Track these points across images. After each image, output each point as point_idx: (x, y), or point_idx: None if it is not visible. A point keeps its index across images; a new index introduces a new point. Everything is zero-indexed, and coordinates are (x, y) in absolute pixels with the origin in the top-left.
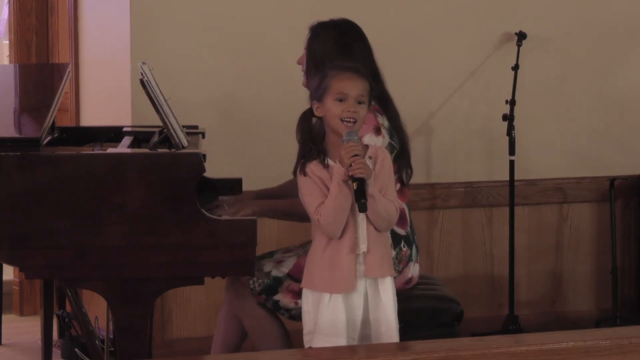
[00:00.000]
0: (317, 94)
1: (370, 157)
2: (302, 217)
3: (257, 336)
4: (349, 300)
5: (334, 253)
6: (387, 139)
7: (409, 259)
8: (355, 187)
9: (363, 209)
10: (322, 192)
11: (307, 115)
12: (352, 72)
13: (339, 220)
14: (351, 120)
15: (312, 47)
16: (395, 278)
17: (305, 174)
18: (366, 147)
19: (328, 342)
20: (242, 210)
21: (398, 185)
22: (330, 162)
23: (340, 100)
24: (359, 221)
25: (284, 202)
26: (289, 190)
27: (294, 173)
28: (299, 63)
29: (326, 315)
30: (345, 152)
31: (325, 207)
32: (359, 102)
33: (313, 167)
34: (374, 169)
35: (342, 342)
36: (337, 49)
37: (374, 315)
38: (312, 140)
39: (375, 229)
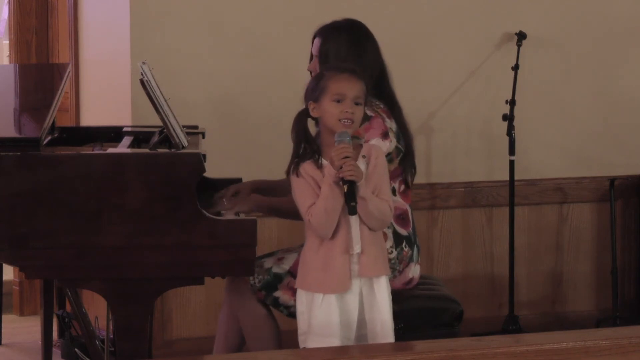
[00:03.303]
0: (314, 94)
1: (364, 156)
2: (299, 216)
3: (251, 335)
4: (343, 300)
5: (327, 253)
6: (394, 143)
7: (410, 260)
8: (345, 190)
9: (352, 211)
10: (314, 192)
11: (302, 115)
12: (349, 74)
13: (330, 221)
14: (348, 121)
15: (325, 51)
16: (395, 278)
17: (298, 175)
18: (359, 146)
19: (322, 343)
20: (237, 206)
21: (402, 187)
22: (324, 161)
23: (338, 101)
24: (352, 222)
25: (281, 200)
26: (286, 186)
27: (287, 173)
28: (310, 69)
29: (319, 316)
30: (336, 154)
31: (316, 208)
32: (356, 104)
33: (307, 167)
34: (368, 168)
35: (336, 342)
36: (351, 49)
37: (370, 315)
38: (307, 140)
39: (369, 228)
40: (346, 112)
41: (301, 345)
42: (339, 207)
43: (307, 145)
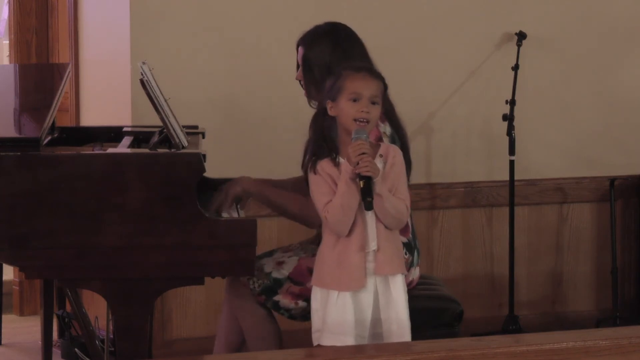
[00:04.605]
0: (331, 93)
1: (381, 156)
2: (291, 214)
3: (252, 336)
4: (358, 298)
5: (343, 251)
6: None
7: (411, 265)
8: (362, 186)
9: (369, 207)
10: (331, 189)
11: (320, 114)
12: (366, 72)
13: (346, 218)
14: (364, 120)
15: (310, 59)
16: None
17: (315, 172)
18: (377, 145)
19: (336, 340)
20: (231, 188)
21: None
22: (341, 159)
23: (354, 100)
24: (368, 219)
25: (276, 192)
26: (295, 186)
27: (304, 169)
28: (298, 79)
29: (334, 313)
30: (353, 151)
31: (332, 205)
32: (373, 103)
33: (324, 164)
34: (384, 167)
35: (350, 340)
36: (335, 52)
37: (385, 313)
38: (324, 138)
39: (385, 227)
40: (362, 111)
41: (315, 343)
42: (355, 204)
43: (324, 143)
